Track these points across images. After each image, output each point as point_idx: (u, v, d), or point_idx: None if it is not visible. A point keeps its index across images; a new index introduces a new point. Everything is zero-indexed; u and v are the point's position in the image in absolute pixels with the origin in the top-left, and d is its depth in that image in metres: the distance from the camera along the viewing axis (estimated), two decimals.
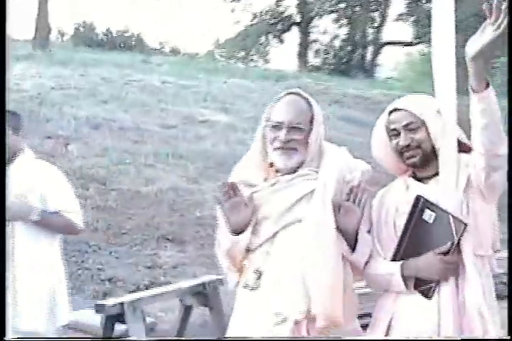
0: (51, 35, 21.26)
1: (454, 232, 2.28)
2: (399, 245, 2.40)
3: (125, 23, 28.20)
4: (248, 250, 2.43)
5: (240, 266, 2.47)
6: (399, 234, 2.40)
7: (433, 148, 2.42)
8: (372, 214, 2.49)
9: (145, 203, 8.67)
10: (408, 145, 2.42)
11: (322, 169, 2.45)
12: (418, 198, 2.38)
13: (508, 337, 1.55)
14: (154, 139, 11.36)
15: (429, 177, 2.44)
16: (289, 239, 2.37)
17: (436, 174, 2.41)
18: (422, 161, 2.43)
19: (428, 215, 2.35)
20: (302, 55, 31.71)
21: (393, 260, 2.40)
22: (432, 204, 2.35)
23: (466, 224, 2.27)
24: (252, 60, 36.52)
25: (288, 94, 2.53)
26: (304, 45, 31.97)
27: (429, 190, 2.39)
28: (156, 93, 14.54)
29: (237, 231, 2.41)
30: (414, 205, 2.38)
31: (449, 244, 2.29)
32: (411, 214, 2.38)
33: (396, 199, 2.47)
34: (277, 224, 2.39)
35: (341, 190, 2.40)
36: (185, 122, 12.73)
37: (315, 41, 34.57)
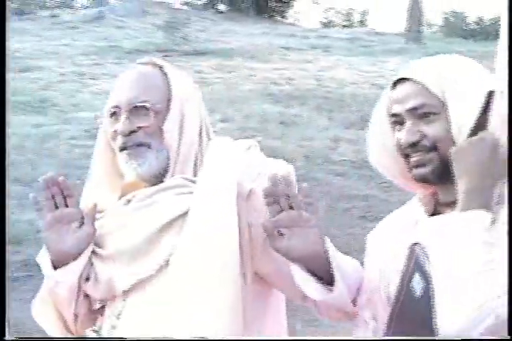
0: (423, 26, 23.25)
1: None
2: (388, 325, 1.78)
3: (497, 11, 30.06)
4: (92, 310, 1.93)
5: (75, 327, 1.95)
6: (391, 301, 1.79)
7: None
8: (366, 260, 1.90)
9: None
10: (415, 144, 1.72)
11: (201, 176, 1.88)
12: (411, 250, 1.74)
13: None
14: None
15: (450, 206, 1.71)
16: (144, 300, 1.83)
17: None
18: (438, 174, 1.72)
19: (416, 283, 1.71)
20: None
21: None
22: (425, 264, 1.70)
23: None
24: None
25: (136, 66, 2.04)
26: None
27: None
28: None
29: (62, 263, 1.86)
30: (407, 261, 1.76)
31: None
32: (402, 276, 1.76)
33: (398, 242, 1.81)
34: (131, 268, 1.83)
35: (245, 210, 1.82)
36: None
37: None
